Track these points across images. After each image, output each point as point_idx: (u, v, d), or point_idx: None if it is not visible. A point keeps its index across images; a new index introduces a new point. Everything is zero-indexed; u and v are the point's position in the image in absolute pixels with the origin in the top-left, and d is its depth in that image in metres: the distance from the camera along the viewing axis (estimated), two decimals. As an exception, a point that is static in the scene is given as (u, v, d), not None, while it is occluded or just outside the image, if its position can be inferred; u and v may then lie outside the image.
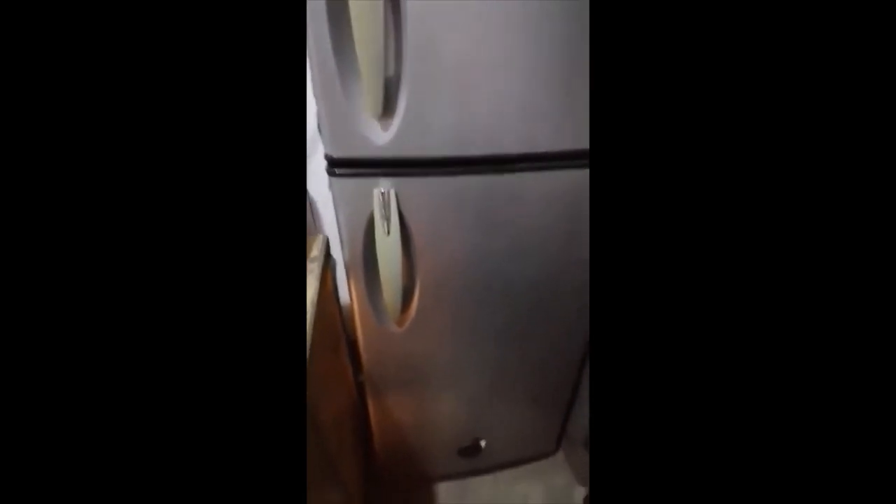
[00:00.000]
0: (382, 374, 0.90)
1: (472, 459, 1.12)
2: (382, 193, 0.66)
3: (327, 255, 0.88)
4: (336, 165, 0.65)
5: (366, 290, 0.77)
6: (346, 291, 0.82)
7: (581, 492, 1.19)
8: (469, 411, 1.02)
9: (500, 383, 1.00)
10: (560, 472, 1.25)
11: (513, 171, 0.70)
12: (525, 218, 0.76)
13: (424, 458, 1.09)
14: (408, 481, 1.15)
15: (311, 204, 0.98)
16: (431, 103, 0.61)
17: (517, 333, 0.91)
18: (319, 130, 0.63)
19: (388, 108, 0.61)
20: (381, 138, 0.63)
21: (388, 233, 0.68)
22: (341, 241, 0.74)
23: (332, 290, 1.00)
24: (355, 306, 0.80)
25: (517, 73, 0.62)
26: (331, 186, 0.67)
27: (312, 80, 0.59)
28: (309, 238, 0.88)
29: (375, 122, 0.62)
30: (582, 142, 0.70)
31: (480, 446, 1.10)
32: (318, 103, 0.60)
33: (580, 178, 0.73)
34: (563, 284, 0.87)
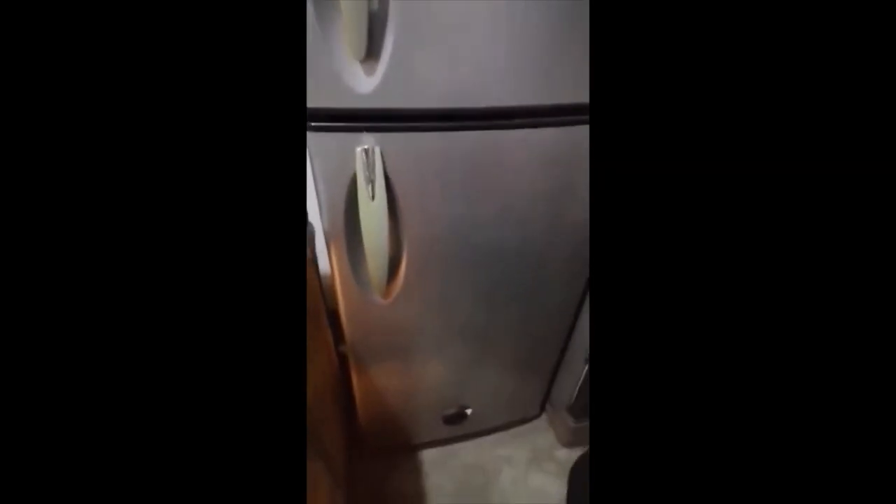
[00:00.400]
0: (367, 346, 0.86)
1: (458, 426, 1.12)
2: (366, 151, 0.58)
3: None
4: (312, 118, 0.56)
5: (348, 261, 0.70)
6: (325, 260, 0.76)
7: (563, 453, 1.22)
8: (455, 379, 1.00)
9: (487, 349, 0.97)
10: (543, 434, 1.27)
11: (507, 126, 0.63)
12: (518, 177, 0.69)
13: (409, 426, 1.08)
14: (392, 449, 1.14)
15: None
16: (421, 45, 0.53)
17: (506, 297, 0.87)
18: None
19: (372, 49, 0.52)
20: (363, 85, 0.54)
21: (373, 197, 0.61)
22: (319, 207, 0.66)
23: (311, 259, 0.92)
24: (337, 279, 0.73)
25: (513, 17, 0.54)
26: (308, 143, 0.59)
27: (280, 10, 0.49)
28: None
29: (357, 65, 0.53)
30: (578, 96, 0.63)
31: (466, 413, 1.09)
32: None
33: (575, 134, 0.67)
34: (554, 246, 0.82)
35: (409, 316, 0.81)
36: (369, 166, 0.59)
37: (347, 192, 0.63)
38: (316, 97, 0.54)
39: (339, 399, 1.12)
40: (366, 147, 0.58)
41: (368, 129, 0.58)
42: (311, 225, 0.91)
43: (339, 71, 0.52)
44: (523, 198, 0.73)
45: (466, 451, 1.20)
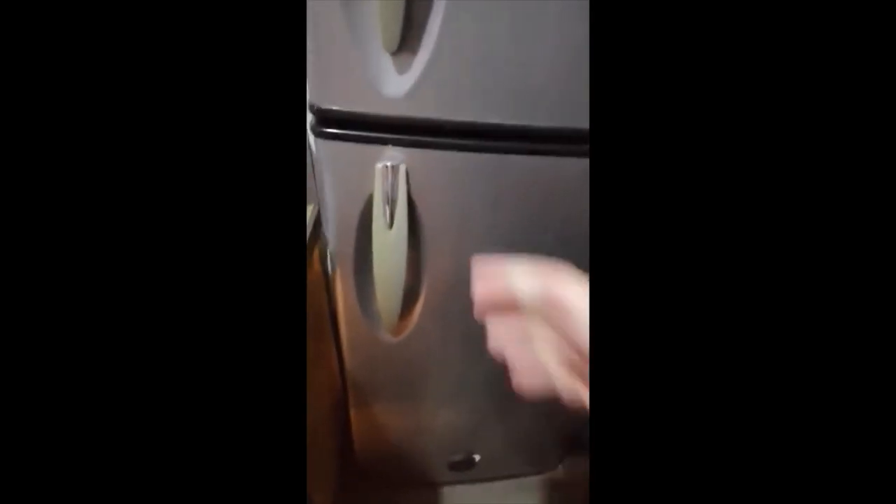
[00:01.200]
0: (369, 381, 0.74)
1: (464, 473, 1.00)
2: (388, 168, 0.46)
3: (316, 227, 0.69)
4: (326, 123, 0.45)
5: (356, 288, 0.59)
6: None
7: (578, 513, 1.08)
8: (465, 427, 0.88)
9: (507, 397, 0.84)
10: (558, 488, 1.13)
11: (573, 153, 0.50)
12: (575, 212, 0.55)
13: (410, 466, 0.97)
14: (389, 486, 1.04)
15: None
16: (474, 40, 0.40)
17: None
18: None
19: (408, 38, 0.39)
20: (393, 86, 0.42)
21: (391, 224, 0.49)
22: (325, 221, 0.55)
23: (319, 271, 0.82)
24: (340, 306, 0.62)
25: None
26: (317, 150, 0.47)
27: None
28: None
29: (388, 59, 0.41)
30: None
31: (474, 460, 0.97)
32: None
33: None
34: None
35: (419, 357, 0.69)
36: (391, 187, 0.47)
37: (361, 212, 0.51)
38: (331, 97, 0.42)
39: (337, 417, 1.02)
40: (388, 164, 0.46)
41: (395, 142, 0.46)
42: (325, 237, 0.80)
43: (363, 65, 0.40)
44: (581, 227, 0.58)
45: (470, 497, 1.08)
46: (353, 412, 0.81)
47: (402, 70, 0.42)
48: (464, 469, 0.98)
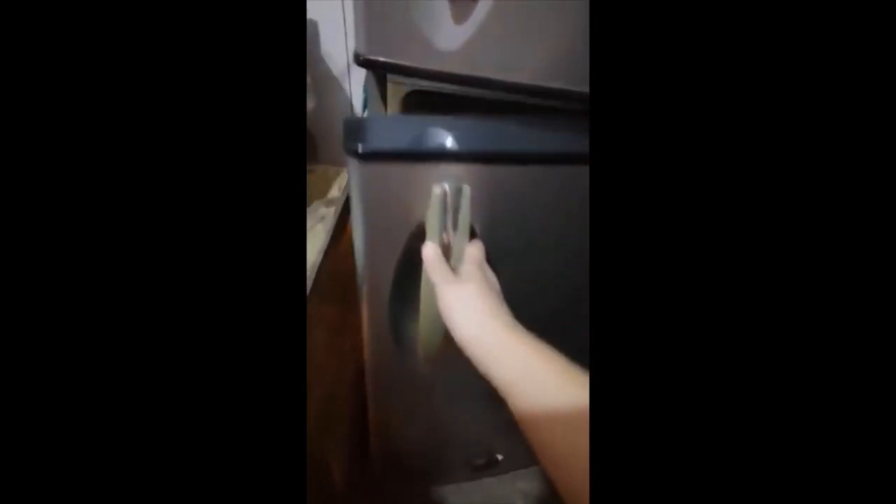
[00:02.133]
0: (388, 390, 0.66)
1: (485, 472, 0.95)
2: (448, 192, 0.32)
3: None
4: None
5: (388, 316, 0.47)
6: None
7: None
8: (490, 434, 0.81)
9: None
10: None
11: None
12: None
13: (429, 465, 0.92)
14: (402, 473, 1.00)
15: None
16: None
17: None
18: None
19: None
20: (447, 38, 0.27)
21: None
22: (354, 240, 0.42)
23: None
24: (366, 327, 0.51)
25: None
26: (349, 170, 0.33)
27: None
28: (327, 170, 0.57)
29: (444, 4, 0.26)
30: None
31: (497, 460, 0.92)
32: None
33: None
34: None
35: (451, 382, 0.60)
36: (452, 215, 0.33)
37: (407, 242, 0.38)
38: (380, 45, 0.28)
39: (358, 389, 0.96)
40: (447, 185, 0.32)
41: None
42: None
43: (413, 8, 0.26)
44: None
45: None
46: (371, 408, 0.73)
47: (461, 17, 0.27)
48: (486, 469, 0.93)
